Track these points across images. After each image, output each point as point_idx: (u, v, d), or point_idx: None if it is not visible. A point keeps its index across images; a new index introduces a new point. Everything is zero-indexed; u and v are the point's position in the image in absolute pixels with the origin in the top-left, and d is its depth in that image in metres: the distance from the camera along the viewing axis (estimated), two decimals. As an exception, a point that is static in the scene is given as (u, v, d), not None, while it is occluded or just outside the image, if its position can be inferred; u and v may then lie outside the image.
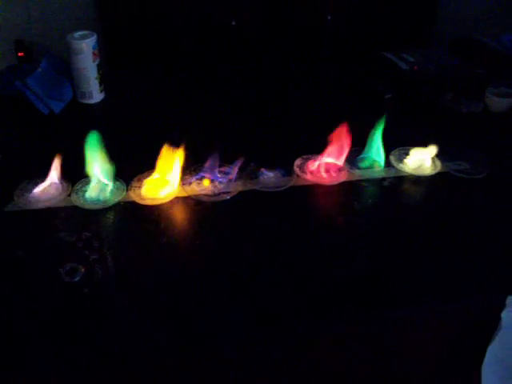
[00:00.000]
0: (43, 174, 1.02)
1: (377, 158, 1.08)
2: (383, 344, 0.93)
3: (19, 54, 2.37)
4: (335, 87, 1.44)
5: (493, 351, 0.92)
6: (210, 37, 2.22)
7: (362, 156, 1.09)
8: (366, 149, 1.09)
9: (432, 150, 1.07)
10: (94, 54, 1.29)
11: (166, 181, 1.01)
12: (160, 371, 0.83)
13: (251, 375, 0.90)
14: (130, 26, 2.14)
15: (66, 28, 2.32)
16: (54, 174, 1.02)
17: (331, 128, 1.06)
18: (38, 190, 1.01)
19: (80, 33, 1.29)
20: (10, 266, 0.87)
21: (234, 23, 2.24)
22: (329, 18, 2.34)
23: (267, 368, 0.90)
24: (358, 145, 1.09)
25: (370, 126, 1.08)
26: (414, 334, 0.93)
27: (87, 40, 1.27)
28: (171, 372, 0.84)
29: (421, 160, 1.08)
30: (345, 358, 0.92)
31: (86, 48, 1.27)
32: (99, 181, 1.00)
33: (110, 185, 1.00)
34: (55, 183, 1.02)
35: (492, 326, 0.91)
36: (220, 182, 1.02)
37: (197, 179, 1.03)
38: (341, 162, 1.06)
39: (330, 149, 1.06)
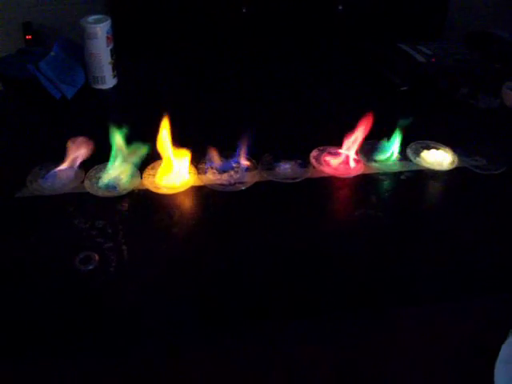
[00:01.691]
0: (55, 160, 1.01)
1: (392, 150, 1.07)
2: (395, 341, 0.92)
3: (27, 36, 2.35)
4: (351, 78, 1.43)
5: (507, 350, 0.92)
6: (220, 24, 2.21)
7: (380, 149, 1.08)
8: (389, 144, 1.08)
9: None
10: (107, 38, 1.27)
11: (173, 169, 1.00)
12: (173, 361, 0.82)
13: (261, 371, 0.89)
14: (141, 11, 2.12)
15: (75, 11, 2.31)
16: (73, 160, 1.01)
17: (347, 119, 1.05)
18: (52, 174, 1.00)
19: (94, 17, 1.27)
20: (22, 253, 0.86)
21: (244, 10, 2.22)
22: (340, 7, 2.32)
23: (274, 364, 0.89)
24: (374, 137, 1.08)
25: (385, 119, 1.06)
26: (428, 330, 0.92)
27: (101, 24, 1.25)
28: (183, 363, 0.83)
29: (439, 154, 1.07)
30: (355, 353, 0.92)
31: (100, 32, 1.25)
32: (117, 166, 0.99)
33: (126, 172, 0.99)
34: (69, 169, 1.01)
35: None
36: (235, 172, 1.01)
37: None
38: (355, 152, 1.05)
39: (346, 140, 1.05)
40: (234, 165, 1.02)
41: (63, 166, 1.00)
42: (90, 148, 1.00)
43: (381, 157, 1.07)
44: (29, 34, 2.35)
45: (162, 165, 1.00)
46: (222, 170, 1.01)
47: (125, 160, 1.00)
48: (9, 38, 2.36)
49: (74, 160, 1.00)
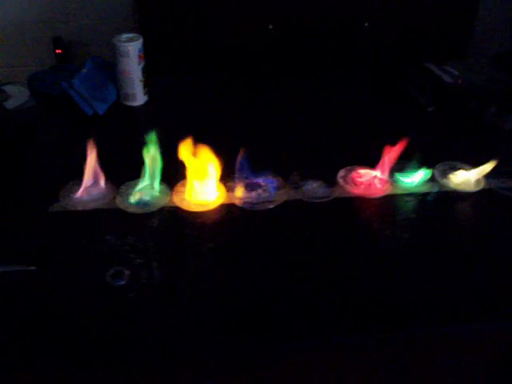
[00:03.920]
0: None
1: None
2: (420, 361, 0.93)
3: (57, 51, 2.39)
4: (377, 97, 1.43)
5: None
6: (247, 40, 2.23)
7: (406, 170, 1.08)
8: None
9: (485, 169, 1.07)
10: (139, 56, 1.30)
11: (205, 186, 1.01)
12: (204, 379, 0.83)
13: None
14: (169, 29, 2.15)
15: (105, 27, 2.34)
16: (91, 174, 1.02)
17: (374, 139, 1.06)
18: (82, 190, 1.02)
19: (126, 35, 1.30)
20: (55, 268, 0.88)
21: (271, 27, 2.24)
22: (366, 25, 2.32)
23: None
24: (401, 158, 1.08)
25: (412, 139, 1.07)
26: (456, 351, 0.92)
27: (133, 43, 1.28)
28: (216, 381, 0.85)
29: (466, 176, 1.08)
30: (383, 370, 0.92)
31: (132, 51, 1.28)
32: (146, 184, 1.01)
33: (156, 189, 1.01)
34: (98, 185, 1.03)
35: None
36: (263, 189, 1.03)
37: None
38: (385, 175, 1.06)
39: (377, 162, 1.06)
40: (262, 183, 1.03)
41: (85, 184, 1.02)
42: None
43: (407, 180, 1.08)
44: (59, 49, 2.39)
45: (188, 182, 1.02)
46: (250, 189, 1.03)
47: (155, 177, 1.01)
48: (39, 52, 2.41)
49: (94, 175, 1.02)
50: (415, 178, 1.06)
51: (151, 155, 0.98)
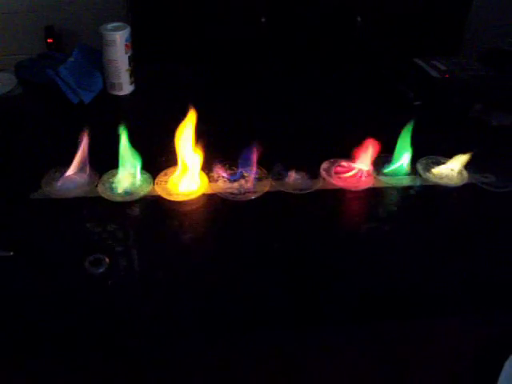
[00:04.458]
0: (71, 163, 1.02)
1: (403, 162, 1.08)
2: (400, 355, 0.93)
3: (48, 40, 2.38)
4: (364, 91, 1.43)
5: (510, 366, 0.92)
6: (239, 33, 2.22)
7: (389, 163, 1.08)
8: (395, 155, 1.08)
9: (462, 159, 1.07)
10: (126, 46, 1.29)
11: (189, 176, 1.01)
12: (182, 369, 0.83)
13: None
14: (161, 19, 2.15)
15: (96, 17, 2.34)
16: (79, 162, 1.02)
17: (359, 132, 1.06)
18: (64, 177, 1.02)
19: (113, 24, 1.29)
20: (34, 254, 0.88)
21: (263, 20, 2.24)
22: (359, 19, 2.32)
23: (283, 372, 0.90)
24: (386, 151, 1.09)
25: (398, 133, 1.07)
26: (432, 345, 0.92)
27: (120, 32, 1.27)
28: (195, 371, 0.84)
29: (448, 170, 1.08)
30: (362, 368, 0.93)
31: (118, 40, 1.27)
32: (127, 173, 1.00)
33: (138, 178, 1.01)
34: (82, 173, 1.03)
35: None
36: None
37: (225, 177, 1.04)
38: (367, 166, 1.06)
39: (359, 154, 1.06)
40: (245, 174, 1.03)
41: (71, 171, 1.02)
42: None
43: (390, 169, 1.08)
44: (50, 38, 2.39)
45: (177, 171, 1.01)
46: (232, 179, 1.03)
47: (132, 166, 1.01)
48: (31, 40, 2.40)
49: (82, 163, 1.02)
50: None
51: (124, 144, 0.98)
